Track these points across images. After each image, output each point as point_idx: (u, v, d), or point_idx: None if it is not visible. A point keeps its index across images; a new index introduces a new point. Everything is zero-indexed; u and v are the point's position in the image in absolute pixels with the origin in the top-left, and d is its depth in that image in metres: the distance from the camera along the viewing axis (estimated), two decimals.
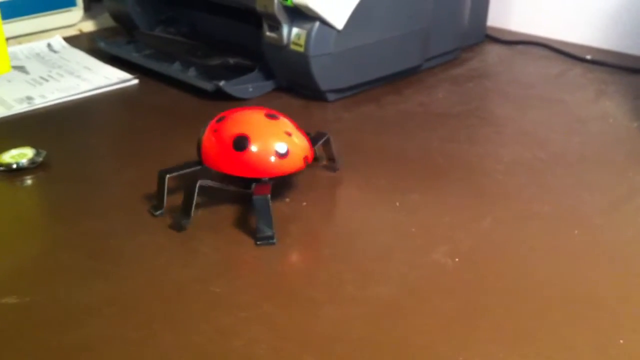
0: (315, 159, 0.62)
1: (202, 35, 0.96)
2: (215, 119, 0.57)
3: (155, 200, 0.56)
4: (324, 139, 0.61)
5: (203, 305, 0.46)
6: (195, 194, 0.53)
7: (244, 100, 0.78)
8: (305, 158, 0.56)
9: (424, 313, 0.45)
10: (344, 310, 0.45)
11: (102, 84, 0.81)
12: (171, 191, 0.57)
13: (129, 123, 0.75)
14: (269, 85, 0.80)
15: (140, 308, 0.45)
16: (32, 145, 0.65)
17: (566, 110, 0.74)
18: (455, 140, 0.68)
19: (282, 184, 0.60)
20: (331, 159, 0.63)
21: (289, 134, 0.56)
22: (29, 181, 0.62)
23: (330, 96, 0.77)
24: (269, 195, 0.52)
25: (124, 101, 0.80)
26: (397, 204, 0.57)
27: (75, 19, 1.04)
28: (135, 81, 0.83)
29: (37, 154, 0.64)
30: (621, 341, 0.42)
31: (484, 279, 0.48)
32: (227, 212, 0.56)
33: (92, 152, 0.68)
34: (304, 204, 0.57)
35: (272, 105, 0.77)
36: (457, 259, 0.50)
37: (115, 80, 0.83)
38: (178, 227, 0.53)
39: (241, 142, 0.54)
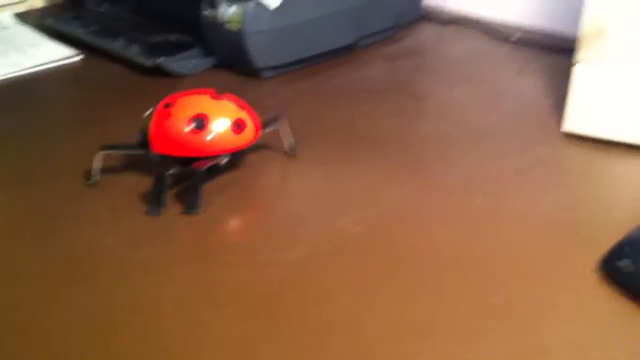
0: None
1: (148, 11, 0.98)
2: (162, 105, 0.59)
3: (92, 171, 0.60)
4: (275, 125, 0.63)
5: (122, 269, 0.50)
6: (166, 184, 0.56)
7: (184, 76, 0.81)
8: (257, 131, 0.60)
9: (328, 274, 0.49)
10: (253, 272, 0.50)
11: (47, 60, 0.84)
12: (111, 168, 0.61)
13: (72, 98, 0.79)
14: (208, 62, 0.84)
15: (65, 271, 0.50)
16: None
17: (486, 87, 0.79)
18: (379, 114, 0.72)
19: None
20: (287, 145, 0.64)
21: (240, 110, 0.60)
22: None
23: (267, 73, 0.81)
24: (203, 170, 0.56)
25: (68, 77, 0.83)
26: (315, 174, 0.61)
27: None
28: (79, 57, 0.86)
29: None
30: (495, 298, 0.47)
31: (384, 243, 0.52)
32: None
33: (36, 126, 0.71)
34: (227, 175, 0.61)
35: (210, 82, 0.80)
36: (362, 226, 0.54)
37: (60, 56, 0.85)
38: (154, 214, 0.56)
39: (199, 122, 0.57)
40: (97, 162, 0.59)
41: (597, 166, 0.63)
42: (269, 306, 0.46)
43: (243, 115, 0.60)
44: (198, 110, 0.58)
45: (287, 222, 0.55)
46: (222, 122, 0.58)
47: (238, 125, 0.59)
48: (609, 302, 0.46)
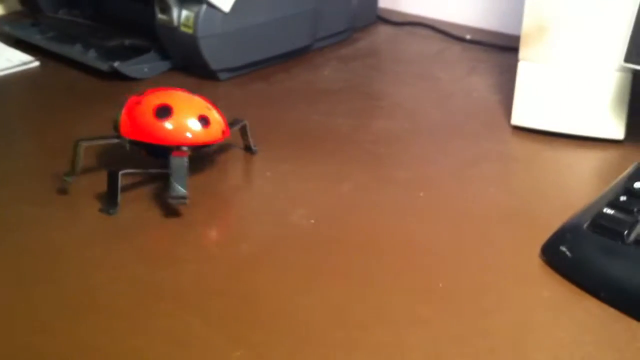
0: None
1: (106, 17, 0.99)
2: (136, 94, 0.61)
3: (69, 167, 0.59)
4: (239, 125, 0.65)
5: (77, 266, 0.50)
6: (119, 184, 0.57)
7: (140, 80, 0.82)
8: (224, 132, 0.61)
9: (278, 266, 0.50)
10: (207, 266, 0.50)
11: (4, 66, 0.84)
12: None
13: (30, 103, 0.79)
14: (164, 65, 0.84)
15: (20, 269, 0.50)
16: None
17: (438, 85, 0.81)
18: (333, 114, 0.74)
19: None
20: (247, 145, 0.66)
21: (209, 108, 0.61)
22: None
23: (222, 75, 0.82)
24: (187, 158, 0.57)
25: (26, 83, 0.83)
26: (268, 173, 0.63)
27: None
28: (37, 63, 0.86)
29: None
30: (440, 285, 0.48)
31: (334, 236, 0.54)
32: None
33: None
34: None
35: (167, 84, 0.80)
36: (312, 220, 0.55)
37: (16, 62, 0.86)
38: (108, 213, 0.57)
39: (164, 110, 0.59)
40: (80, 157, 0.58)
41: (543, 157, 0.65)
42: (222, 300, 0.47)
43: (212, 112, 0.61)
44: (166, 100, 0.60)
45: (238, 219, 0.57)
46: (188, 114, 0.59)
47: (205, 120, 0.60)
48: (551, 287, 0.48)
